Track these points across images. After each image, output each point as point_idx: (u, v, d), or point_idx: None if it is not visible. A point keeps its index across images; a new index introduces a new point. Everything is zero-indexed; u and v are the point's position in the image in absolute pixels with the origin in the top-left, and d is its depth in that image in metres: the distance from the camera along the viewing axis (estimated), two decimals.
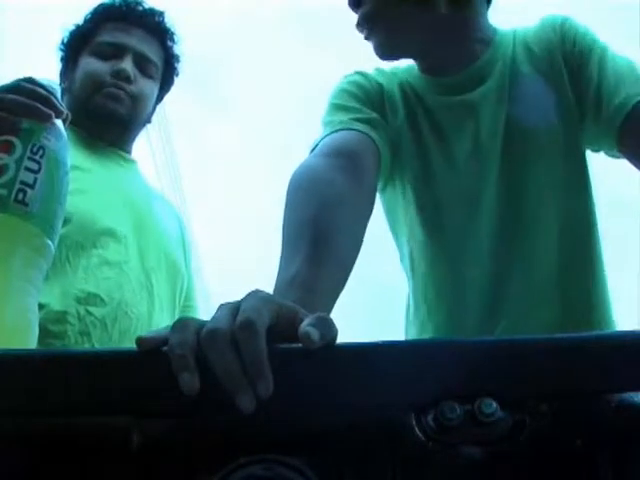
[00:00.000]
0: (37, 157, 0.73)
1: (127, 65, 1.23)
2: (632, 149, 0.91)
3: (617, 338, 0.49)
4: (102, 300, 1.07)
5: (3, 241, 0.69)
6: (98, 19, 1.28)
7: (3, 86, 0.82)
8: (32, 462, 0.44)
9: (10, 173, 0.71)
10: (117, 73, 1.22)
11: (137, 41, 1.26)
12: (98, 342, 1.03)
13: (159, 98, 1.34)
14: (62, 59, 1.30)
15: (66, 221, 1.01)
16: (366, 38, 0.99)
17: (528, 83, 0.97)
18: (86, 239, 1.10)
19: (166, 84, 1.34)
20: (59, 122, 0.78)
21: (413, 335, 1.02)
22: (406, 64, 1.06)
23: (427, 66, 1.03)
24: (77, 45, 1.27)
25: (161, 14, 1.30)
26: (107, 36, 1.26)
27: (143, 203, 1.25)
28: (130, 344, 1.20)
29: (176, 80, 1.35)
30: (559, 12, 1.04)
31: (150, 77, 1.28)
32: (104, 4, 1.29)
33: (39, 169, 0.72)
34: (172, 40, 1.31)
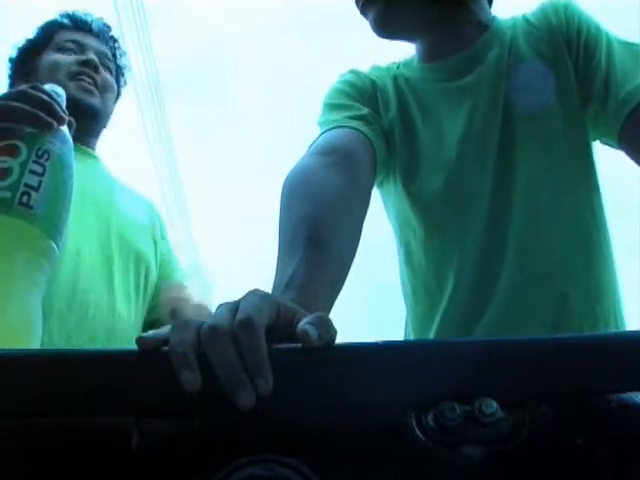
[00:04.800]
0: (42, 161, 0.73)
1: (93, 56, 1.29)
2: (632, 143, 0.91)
3: (617, 338, 0.49)
4: (58, 285, 1.05)
5: (7, 243, 0.69)
6: (52, 27, 1.34)
7: (7, 93, 0.82)
8: (32, 462, 0.44)
9: (14, 176, 0.71)
10: (85, 62, 1.27)
11: (95, 42, 1.33)
12: (55, 331, 1.01)
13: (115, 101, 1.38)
14: (16, 68, 1.34)
15: None
16: (362, 12, 0.99)
17: (528, 66, 0.97)
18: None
19: (118, 94, 1.38)
20: (64, 127, 0.78)
21: (415, 330, 1.02)
22: (404, 58, 1.07)
23: (423, 50, 1.03)
24: (34, 49, 1.31)
25: (109, 26, 1.38)
26: (66, 36, 1.31)
27: (104, 195, 1.24)
28: (88, 330, 1.17)
29: (124, 90, 1.41)
30: None
31: (110, 73, 1.33)
32: (55, 18, 1.35)
33: (44, 172, 0.73)
34: (120, 50, 1.38)
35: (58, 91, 0.83)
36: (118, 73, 1.37)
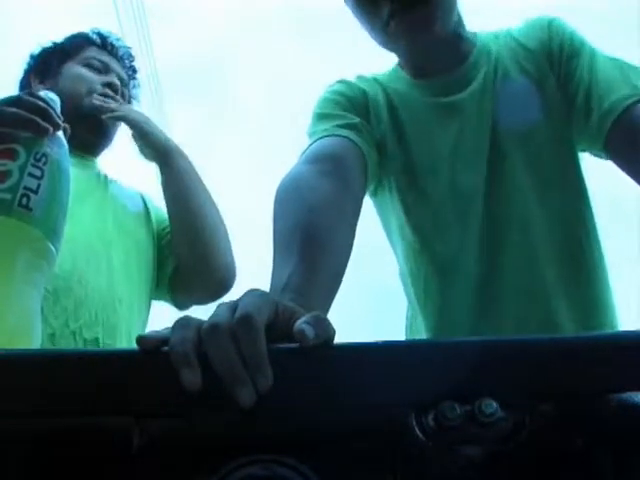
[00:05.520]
0: (40, 164, 0.74)
1: (116, 80, 1.33)
2: (619, 153, 0.91)
3: (617, 338, 0.49)
4: (54, 273, 1.04)
5: (6, 244, 0.69)
6: (82, 41, 1.37)
7: (4, 99, 0.83)
8: (32, 462, 0.44)
9: (14, 178, 0.72)
10: (109, 85, 1.31)
11: (119, 68, 1.37)
12: (51, 314, 1.01)
13: None
14: (36, 65, 1.36)
15: None
16: (397, 26, 0.93)
17: (513, 83, 0.97)
18: None
19: None
20: (60, 132, 0.79)
21: (411, 336, 1.02)
22: (387, 70, 1.06)
23: (414, 67, 1.02)
24: (60, 56, 1.34)
25: (133, 56, 1.43)
26: (95, 54, 1.35)
27: (100, 189, 1.27)
28: (88, 314, 1.12)
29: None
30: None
31: (125, 101, 1.37)
32: (87, 33, 1.39)
33: (42, 175, 0.73)
34: (137, 81, 1.43)
35: (53, 97, 0.84)
36: (129, 102, 1.40)
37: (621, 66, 0.94)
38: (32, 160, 0.73)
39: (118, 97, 1.32)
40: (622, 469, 0.43)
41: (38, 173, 0.73)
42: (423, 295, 1.01)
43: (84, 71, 1.31)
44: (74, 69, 1.31)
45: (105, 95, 1.29)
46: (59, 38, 1.38)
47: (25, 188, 0.71)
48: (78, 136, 1.27)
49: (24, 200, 0.71)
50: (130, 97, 1.41)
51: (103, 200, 1.24)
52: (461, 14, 0.99)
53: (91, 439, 0.45)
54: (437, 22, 0.93)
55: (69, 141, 1.28)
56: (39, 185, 0.72)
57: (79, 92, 1.27)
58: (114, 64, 1.36)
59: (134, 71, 1.42)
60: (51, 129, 0.77)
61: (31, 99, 0.80)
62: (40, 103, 0.79)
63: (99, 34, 1.38)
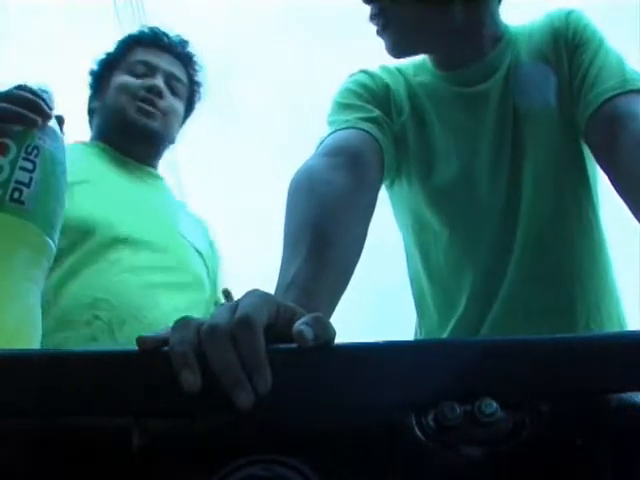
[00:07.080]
0: (32, 157, 0.73)
1: (159, 82, 1.32)
2: (594, 144, 0.92)
3: (617, 338, 0.49)
4: (110, 303, 1.07)
5: (3, 241, 0.69)
6: (128, 44, 1.38)
7: None
8: (32, 462, 0.44)
9: (5, 174, 0.71)
10: (150, 88, 1.31)
11: (167, 63, 1.36)
12: (107, 345, 1.02)
13: (183, 120, 1.42)
14: (94, 83, 1.39)
15: (90, 232, 1.11)
16: (378, 34, 0.98)
17: (530, 70, 0.98)
18: (106, 245, 1.13)
19: (189, 108, 1.42)
20: (54, 124, 0.78)
21: (430, 332, 1.02)
22: (414, 60, 1.06)
23: (438, 61, 1.02)
24: (109, 67, 1.36)
25: (187, 42, 1.41)
26: (139, 56, 1.35)
27: (170, 217, 1.28)
28: None
29: (198, 106, 1.45)
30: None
31: (178, 96, 1.37)
32: (134, 33, 1.41)
33: (34, 168, 0.72)
34: (196, 67, 1.42)
35: (45, 89, 0.83)
36: (192, 90, 1.40)
37: (621, 62, 0.94)
38: (23, 154, 0.72)
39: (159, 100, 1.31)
40: (622, 469, 0.43)
41: (30, 166, 0.72)
42: (440, 292, 1.01)
43: (127, 79, 1.32)
44: (118, 79, 1.32)
45: (146, 99, 1.29)
46: (110, 47, 1.40)
47: (17, 182, 0.70)
48: (131, 148, 1.31)
49: (16, 194, 0.70)
50: (193, 83, 1.40)
51: (171, 231, 1.25)
52: (483, 16, 0.99)
53: (91, 439, 0.45)
54: (401, 46, 0.97)
55: (129, 155, 1.31)
56: (31, 178, 0.71)
57: (121, 104, 1.29)
58: (162, 60, 1.35)
59: (189, 57, 1.40)
60: (39, 120, 0.76)
61: (19, 92, 0.79)
62: (28, 95, 0.78)
63: (144, 32, 1.38)
